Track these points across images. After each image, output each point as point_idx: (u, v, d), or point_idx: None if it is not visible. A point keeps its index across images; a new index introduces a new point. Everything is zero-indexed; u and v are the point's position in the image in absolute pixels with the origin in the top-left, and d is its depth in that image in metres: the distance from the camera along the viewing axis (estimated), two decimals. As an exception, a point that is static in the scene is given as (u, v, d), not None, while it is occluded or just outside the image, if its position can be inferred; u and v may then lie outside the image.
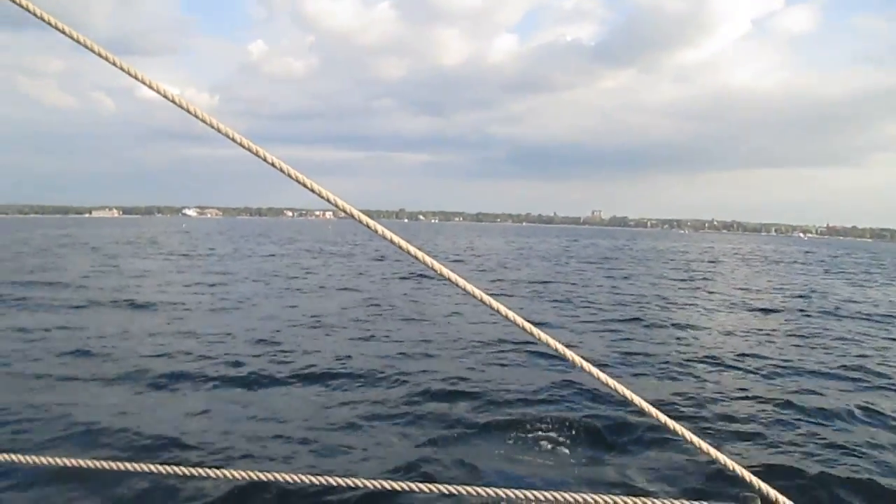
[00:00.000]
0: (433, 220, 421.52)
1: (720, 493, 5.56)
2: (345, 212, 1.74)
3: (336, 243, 61.17)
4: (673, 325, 15.78)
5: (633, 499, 1.92)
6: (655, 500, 1.97)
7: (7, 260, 32.54)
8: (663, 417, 1.83)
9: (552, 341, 1.79)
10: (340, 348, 11.96)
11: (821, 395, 9.53)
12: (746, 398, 9.24)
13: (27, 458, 2.25)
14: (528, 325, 1.78)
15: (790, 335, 14.80)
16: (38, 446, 6.77)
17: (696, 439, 1.80)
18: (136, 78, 1.61)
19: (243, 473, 2.11)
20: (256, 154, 1.65)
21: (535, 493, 1.96)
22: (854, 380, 10.52)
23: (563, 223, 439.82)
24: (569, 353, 1.77)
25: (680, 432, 1.80)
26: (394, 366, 10.58)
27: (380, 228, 1.74)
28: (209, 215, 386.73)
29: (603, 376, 1.77)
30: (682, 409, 8.66)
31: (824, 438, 7.62)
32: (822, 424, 8.17)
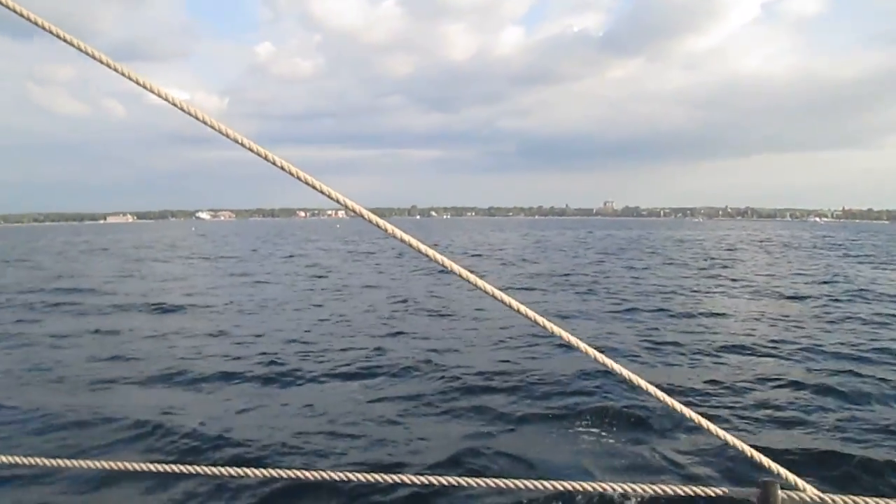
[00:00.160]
0: (445, 216, 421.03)
1: (741, 479, 5.55)
2: (354, 211, 1.75)
3: (353, 241, 61.42)
4: (700, 313, 15.75)
5: (652, 486, 1.96)
6: (675, 487, 1.99)
7: (34, 268, 33.03)
8: (679, 406, 1.83)
9: (565, 333, 1.80)
10: (372, 345, 12.09)
11: (853, 378, 9.50)
12: (777, 384, 9.25)
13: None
14: (541, 319, 1.78)
15: (819, 320, 14.73)
16: (87, 450, 6.90)
17: (713, 427, 1.81)
18: (143, 86, 1.63)
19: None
20: (266, 158, 1.67)
21: (554, 483, 2.00)
22: (887, 363, 10.50)
23: (575, 215, 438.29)
24: (582, 345, 1.80)
25: (697, 421, 1.82)
26: (429, 360, 10.69)
27: (389, 227, 1.75)
28: (222, 218, 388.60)
29: (616, 366, 1.80)
30: (712, 396, 8.72)
31: (856, 422, 7.62)
32: (854, 408, 8.17)
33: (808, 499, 1.75)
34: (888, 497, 1.78)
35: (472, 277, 1.77)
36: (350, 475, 2.11)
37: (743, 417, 7.81)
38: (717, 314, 15.70)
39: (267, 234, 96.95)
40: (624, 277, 24.95)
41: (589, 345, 1.81)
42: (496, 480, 2.08)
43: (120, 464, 2.21)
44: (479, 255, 40.22)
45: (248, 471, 2.15)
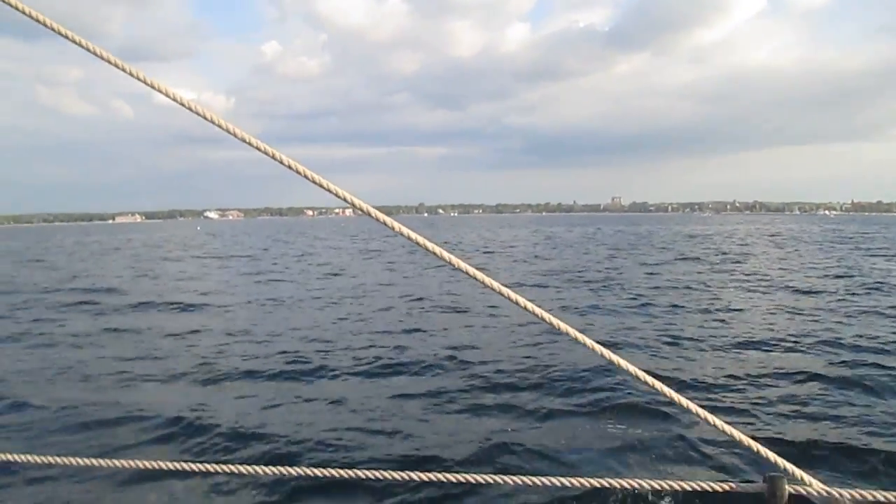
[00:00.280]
0: (453, 214, 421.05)
1: (748, 475, 5.61)
2: (361, 210, 1.73)
3: (365, 239, 61.56)
4: (716, 308, 15.75)
5: (659, 481, 1.97)
6: (682, 482, 1.98)
7: (50, 268, 33.31)
8: (686, 402, 1.84)
9: (572, 329, 1.82)
10: (392, 342, 12.20)
11: (870, 371, 9.49)
12: (791, 378, 9.27)
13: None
14: (547, 315, 1.81)
15: (835, 313, 14.69)
16: (118, 449, 7.01)
17: (719, 423, 1.82)
18: (151, 86, 1.62)
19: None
20: (273, 157, 1.67)
21: (561, 479, 2.02)
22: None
23: (583, 211, 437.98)
24: (588, 341, 1.82)
25: (703, 416, 1.83)
26: (449, 357, 10.80)
27: (396, 225, 1.75)
28: (230, 217, 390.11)
29: (623, 362, 1.81)
30: (725, 390, 8.79)
31: (868, 416, 7.64)
32: (868, 402, 8.18)
33: (815, 493, 1.76)
34: None
35: (479, 274, 1.76)
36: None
37: (754, 412, 7.85)
38: (734, 309, 15.67)
39: (276, 232, 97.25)
40: (637, 273, 24.94)
41: (595, 341, 1.83)
42: (502, 477, 2.09)
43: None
44: (491, 253, 40.25)
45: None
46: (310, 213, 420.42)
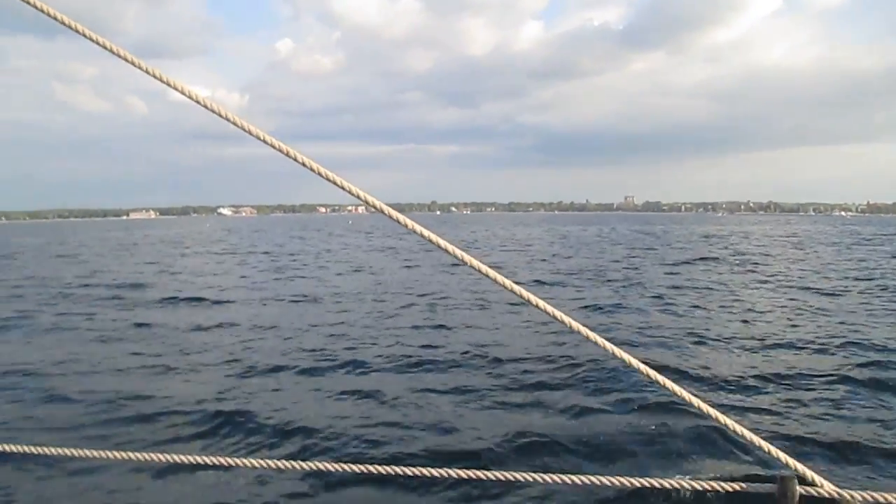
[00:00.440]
0: (466, 212, 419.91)
1: (758, 475, 5.59)
2: (374, 207, 1.72)
3: (380, 236, 61.73)
4: (738, 309, 15.77)
5: (671, 481, 1.98)
6: (693, 482, 1.99)
7: (73, 264, 33.71)
8: (697, 401, 1.83)
9: (584, 328, 1.81)
10: (417, 339, 12.37)
11: (893, 374, 9.45)
12: (810, 379, 9.28)
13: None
14: (559, 313, 1.80)
15: (858, 315, 14.68)
16: (158, 443, 7.12)
17: (730, 422, 1.82)
18: (166, 83, 1.63)
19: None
20: (287, 154, 1.66)
21: (572, 476, 2.05)
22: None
23: (595, 210, 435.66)
24: (600, 339, 1.82)
25: (714, 416, 1.84)
26: (476, 354, 10.91)
27: (409, 222, 1.75)
28: (244, 214, 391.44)
29: (634, 361, 1.81)
30: (746, 390, 8.85)
31: (888, 418, 7.65)
32: (889, 404, 8.19)
33: (826, 494, 1.76)
34: None
35: (491, 272, 1.76)
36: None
37: (771, 412, 7.89)
38: (755, 310, 15.66)
39: (291, 229, 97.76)
40: (658, 273, 24.94)
41: (607, 339, 1.83)
42: (512, 473, 2.10)
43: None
44: (510, 251, 40.32)
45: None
46: (322, 210, 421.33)
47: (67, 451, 2.33)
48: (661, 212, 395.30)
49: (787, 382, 9.12)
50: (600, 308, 15.89)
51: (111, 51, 1.60)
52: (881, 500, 1.72)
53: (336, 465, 2.24)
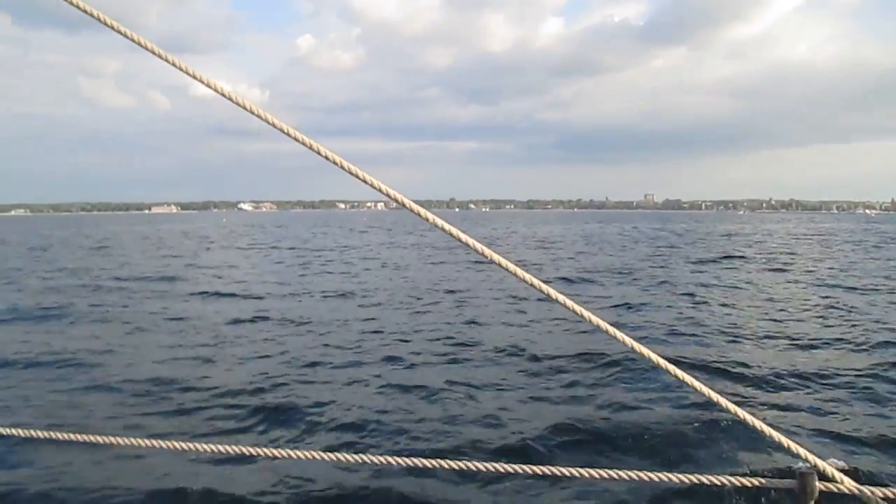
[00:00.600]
0: (484, 209, 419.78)
1: (779, 470, 5.64)
2: (397, 201, 1.71)
3: (405, 234, 61.95)
4: (772, 308, 15.68)
5: (690, 476, 1.99)
6: (713, 478, 2.01)
7: (100, 256, 34.27)
8: (716, 396, 1.85)
9: (603, 322, 1.83)
10: (449, 332, 12.52)
11: None
12: (841, 377, 9.23)
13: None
14: (579, 308, 1.82)
15: (892, 312, 14.54)
16: (198, 434, 7.22)
17: (749, 418, 1.83)
18: (192, 76, 1.63)
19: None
20: (311, 147, 1.66)
21: (590, 470, 2.06)
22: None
23: (615, 208, 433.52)
24: (619, 334, 1.83)
25: (734, 411, 1.84)
26: (515, 350, 10.95)
27: (430, 217, 1.75)
28: (264, 209, 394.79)
29: (654, 356, 1.81)
30: (771, 386, 8.84)
31: None
32: None
33: (846, 491, 1.76)
34: None
35: (512, 266, 1.77)
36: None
37: (801, 410, 7.88)
38: (790, 309, 15.54)
39: (313, 224, 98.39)
40: (685, 271, 24.81)
41: (626, 333, 1.83)
42: (522, 467, 2.17)
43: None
44: (531, 248, 40.29)
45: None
46: (342, 206, 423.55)
47: (111, 440, 2.36)
48: (682, 210, 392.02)
49: (821, 381, 9.08)
50: (630, 306, 15.86)
51: (138, 43, 1.60)
52: None
53: (380, 458, 2.26)
